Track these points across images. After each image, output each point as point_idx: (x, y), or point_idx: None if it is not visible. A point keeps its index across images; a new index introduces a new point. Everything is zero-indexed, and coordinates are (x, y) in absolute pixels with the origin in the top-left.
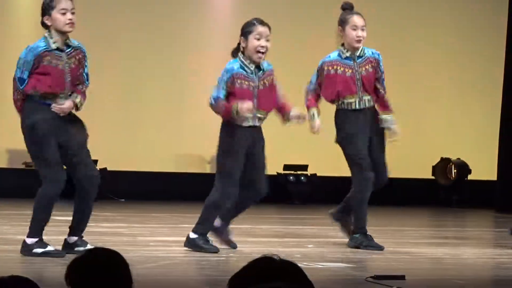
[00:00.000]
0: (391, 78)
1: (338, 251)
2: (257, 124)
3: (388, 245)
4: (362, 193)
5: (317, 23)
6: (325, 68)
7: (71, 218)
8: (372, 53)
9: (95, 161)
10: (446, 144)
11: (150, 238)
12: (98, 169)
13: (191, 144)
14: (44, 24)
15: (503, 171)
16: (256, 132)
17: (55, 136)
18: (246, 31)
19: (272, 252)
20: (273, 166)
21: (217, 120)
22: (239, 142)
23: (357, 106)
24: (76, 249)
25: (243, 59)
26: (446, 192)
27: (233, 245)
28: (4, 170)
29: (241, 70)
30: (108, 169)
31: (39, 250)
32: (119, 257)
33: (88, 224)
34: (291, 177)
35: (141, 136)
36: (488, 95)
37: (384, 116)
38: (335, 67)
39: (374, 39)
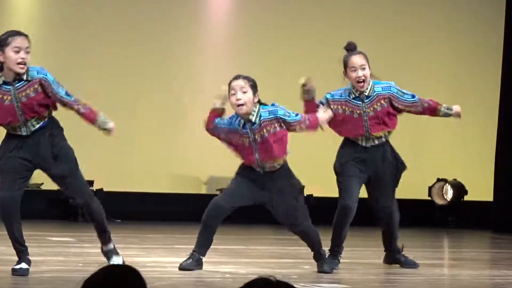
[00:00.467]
0: None
1: (335, 272)
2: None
3: (385, 266)
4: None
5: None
6: (333, 107)
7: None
8: (383, 88)
9: (91, 182)
10: (442, 165)
11: (146, 259)
12: (95, 189)
13: (186, 165)
14: None
15: (499, 192)
16: (267, 180)
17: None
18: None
19: (268, 273)
20: None
21: (213, 142)
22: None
23: (364, 144)
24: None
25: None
26: (442, 213)
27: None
28: None
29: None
30: (105, 189)
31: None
32: (137, 275)
33: (84, 245)
34: None
35: (137, 157)
36: (484, 117)
37: (442, 113)
38: (343, 107)
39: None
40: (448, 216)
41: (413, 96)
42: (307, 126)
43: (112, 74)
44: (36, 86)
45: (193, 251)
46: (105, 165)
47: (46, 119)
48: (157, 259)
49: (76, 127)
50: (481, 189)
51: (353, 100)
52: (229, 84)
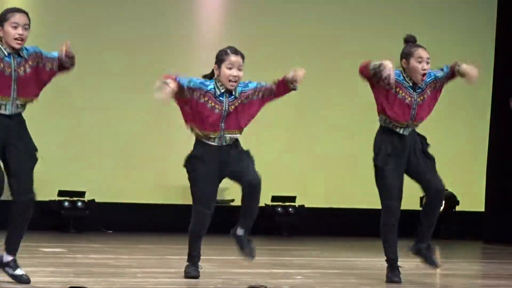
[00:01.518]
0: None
1: (327, 282)
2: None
3: (374, 277)
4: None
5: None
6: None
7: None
8: (428, 77)
9: (83, 193)
10: None
11: (137, 269)
12: (86, 200)
13: (176, 176)
14: None
15: (491, 202)
16: (224, 156)
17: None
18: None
19: (260, 283)
20: (261, 197)
21: None
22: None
23: (402, 132)
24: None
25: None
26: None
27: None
28: None
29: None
30: (96, 200)
31: None
32: None
33: (76, 255)
34: (279, 208)
35: (129, 168)
36: (476, 128)
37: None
38: (397, 89)
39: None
40: (440, 226)
41: (443, 69)
42: (280, 82)
43: (107, 92)
44: (30, 62)
45: (192, 261)
46: (97, 177)
47: (24, 108)
48: (149, 269)
49: (70, 141)
50: (473, 199)
51: (407, 87)
52: (226, 54)
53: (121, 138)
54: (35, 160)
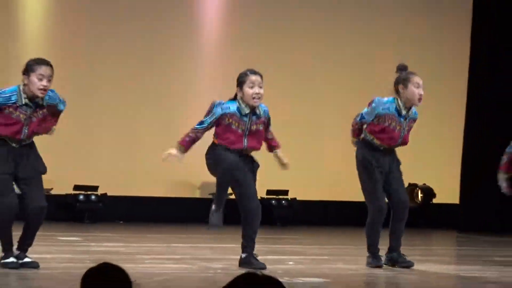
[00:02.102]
0: (360, 106)
1: (316, 267)
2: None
3: (357, 262)
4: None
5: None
6: (382, 117)
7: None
8: (414, 112)
9: (96, 187)
10: (413, 171)
11: (145, 256)
12: (99, 194)
13: (182, 171)
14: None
15: (465, 195)
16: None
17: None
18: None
19: (255, 269)
20: (258, 191)
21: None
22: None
23: (382, 148)
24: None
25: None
26: (413, 215)
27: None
28: None
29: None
30: (108, 194)
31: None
32: (125, 273)
33: (90, 244)
34: (273, 201)
35: (138, 165)
36: (451, 127)
37: None
38: (389, 121)
39: (343, 69)
40: (419, 217)
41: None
42: (272, 139)
43: (114, 85)
44: (45, 110)
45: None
46: (109, 172)
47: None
48: (156, 256)
49: (85, 140)
50: (448, 192)
51: (397, 116)
52: (246, 75)
53: (130, 138)
54: (44, 173)
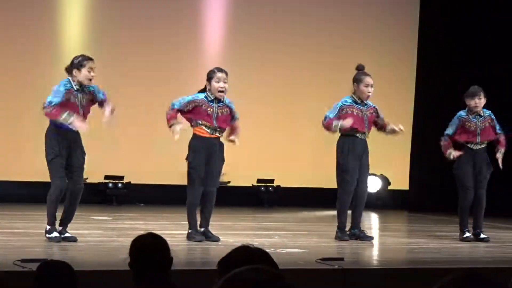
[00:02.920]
0: (328, 105)
1: (296, 240)
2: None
3: (329, 237)
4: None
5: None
6: (344, 108)
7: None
8: (370, 103)
9: (122, 177)
10: (373, 163)
11: (160, 232)
12: (125, 182)
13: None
14: (68, 70)
15: (413, 182)
16: (217, 149)
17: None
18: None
19: (248, 242)
20: (250, 179)
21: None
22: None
23: (360, 137)
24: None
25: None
26: (373, 198)
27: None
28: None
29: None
30: (132, 182)
31: (52, 235)
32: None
33: (117, 222)
34: (262, 188)
35: (156, 158)
36: (403, 125)
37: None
38: (351, 109)
39: (305, 59)
40: (377, 200)
41: (380, 116)
42: (236, 126)
43: (133, 84)
44: (88, 96)
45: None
46: (132, 163)
47: None
48: (169, 232)
49: (111, 138)
50: (400, 180)
51: (356, 104)
52: (213, 72)
53: (150, 134)
54: (84, 163)
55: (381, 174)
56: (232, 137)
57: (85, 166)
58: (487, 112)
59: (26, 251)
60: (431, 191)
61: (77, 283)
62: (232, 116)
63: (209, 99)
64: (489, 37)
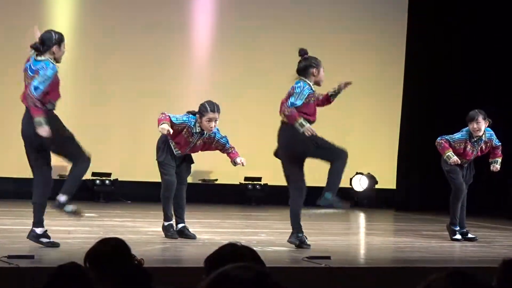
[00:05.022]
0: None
1: (283, 238)
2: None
3: (317, 235)
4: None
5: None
6: (311, 97)
7: (93, 214)
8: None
9: (109, 174)
10: (360, 162)
11: (148, 229)
12: (112, 179)
13: None
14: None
15: (400, 182)
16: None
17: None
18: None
19: (235, 240)
20: (237, 177)
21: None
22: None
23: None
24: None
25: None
26: (360, 197)
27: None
28: None
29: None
30: (119, 179)
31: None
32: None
33: (104, 219)
34: (249, 186)
35: (142, 156)
36: (390, 126)
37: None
38: (313, 98)
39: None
40: (364, 199)
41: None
42: (232, 152)
43: (121, 83)
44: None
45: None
46: (119, 162)
47: None
48: (157, 229)
49: (99, 137)
50: (387, 180)
51: (312, 92)
52: (206, 111)
53: (136, 134)
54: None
55: (368, 173)
56: (237, 161)
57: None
58: (488, 134)
59: (12, 248)
60: (418, 190)
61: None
62: (223, 147)
63: (194, 130)
64: (477, 39)
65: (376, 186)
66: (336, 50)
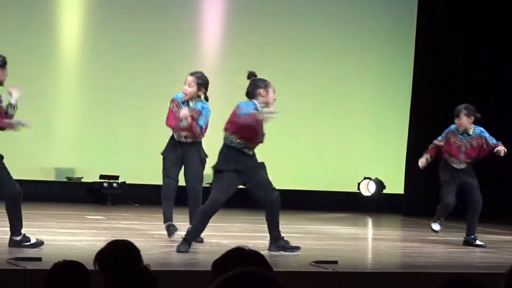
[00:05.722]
0: (326, 110)
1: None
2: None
3: (324, 240)
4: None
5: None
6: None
7: (100, 217)
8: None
9: (117, 176)
10: (368, 166)
11: (154, 232)
12: (119, 182)
13: None
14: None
15: (408, 187)
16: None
17: None
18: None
19: (243, 244)
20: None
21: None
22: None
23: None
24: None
25: None
26: (367, 202)
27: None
28: (51, 182)
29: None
30: (127, 182)
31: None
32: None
33: (111, 221)
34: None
35: (150, 159)
36: (398, 131)
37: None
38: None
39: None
40: (372, 204)
41: None
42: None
43: (129, 85)
44: None
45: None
46: (127, 165)
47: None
48: (163, 232)
49: (107, 139)
50: (395, 185)
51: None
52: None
53: (144, 137)
54: None
55: (376, 178)
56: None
57: (81, 165)
58: (478, 130)
59: (20, 250)
60: (425, 195)
61: (90, 284)
62: (199, 114)
63: (181, 101)
64: (485, 43)
65: (384, 191)
66: (344, 55)
